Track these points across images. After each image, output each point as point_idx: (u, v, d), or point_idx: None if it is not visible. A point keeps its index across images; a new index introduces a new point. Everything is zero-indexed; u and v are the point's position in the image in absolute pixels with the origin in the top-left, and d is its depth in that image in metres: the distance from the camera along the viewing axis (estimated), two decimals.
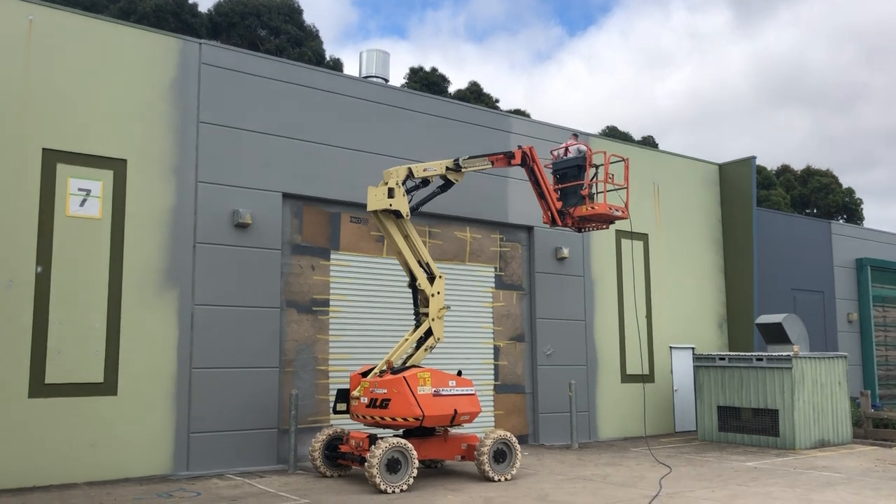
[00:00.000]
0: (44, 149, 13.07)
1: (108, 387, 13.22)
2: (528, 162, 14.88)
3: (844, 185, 62.55)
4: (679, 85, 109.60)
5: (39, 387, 12.61)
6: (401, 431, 13.26)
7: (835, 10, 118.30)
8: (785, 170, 63.45)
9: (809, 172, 62.57)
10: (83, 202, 13.32)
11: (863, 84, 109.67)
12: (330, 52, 61.41)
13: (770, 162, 63.15)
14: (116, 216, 13.65)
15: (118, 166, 13.76)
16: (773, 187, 56.78)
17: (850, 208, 61.64)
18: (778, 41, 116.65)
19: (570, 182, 15.53)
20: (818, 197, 60.52)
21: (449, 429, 13.65)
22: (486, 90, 50.71)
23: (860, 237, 29.28)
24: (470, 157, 14.67)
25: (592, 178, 15.60)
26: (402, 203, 13.72)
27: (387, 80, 18.81)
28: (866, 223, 58.89)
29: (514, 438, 13.68)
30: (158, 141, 14.22)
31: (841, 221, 40.51)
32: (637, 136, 55.06)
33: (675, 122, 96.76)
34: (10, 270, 12.58)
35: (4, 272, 12.53)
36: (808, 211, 58.88)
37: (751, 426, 18.74)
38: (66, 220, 13.15)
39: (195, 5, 43.51)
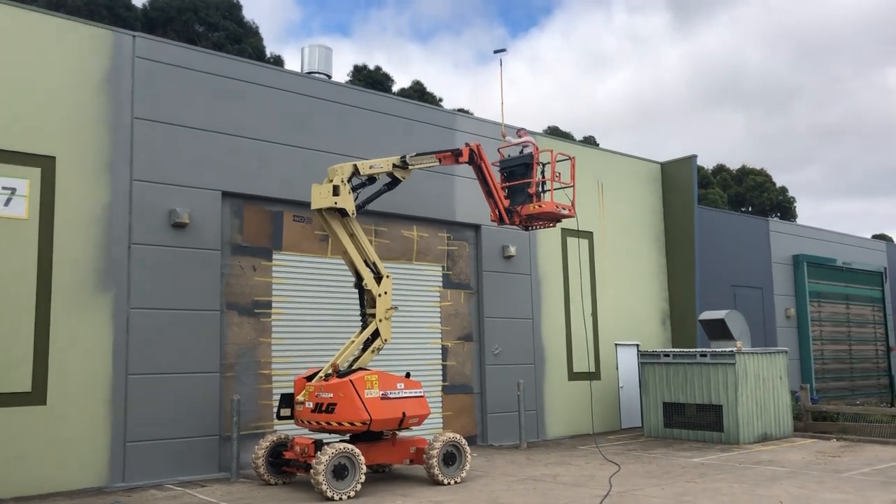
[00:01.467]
0: None
1: (36, 396, 12.53)
2: (475, 160, 14.66)
3: (778, 184, 64.37)
4: (619, 86, 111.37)
5: None
6: (347, 436, 12.93)
7: (769, 12, 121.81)
8: (721, 169, 64.93)
9: (745, 171, 64.17)
10: (8, 201, 12.60)
11: (796, 84, 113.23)
12: (272, 49, 60.44)
13: (707, 161, 64.60)
14: (45, 216, 12.96)
15: (46, 164, 13.06)
16: (710, 186, 57.99)
17: (783, 206, 63.42)
18: (714, 43, 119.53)
19: (517, 180, 15.39)
20: (753, 195, 62.10)
21: (397, 432, 13.36)
22: (429, 89, 50.54)
23: (796, 234, 30.00)
24: (417, 155, 14.41)
25: (540, 175, 15.48)
26: (347, 201, 13.39)
27: (330, 77, 18.40)
28: (799, 220, 60.70)
29: (464, 440, 13.48)
30: (90, 137, 13.57)
31: (776, 219, 41.56)
32: (579, 136, 55.56)
33: (616, 123, 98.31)
34: None
35: None
36: (743, 209, 60.34)
37: (696, 422, 18.93)
38: None
39: None
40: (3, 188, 12.59)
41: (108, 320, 13.38)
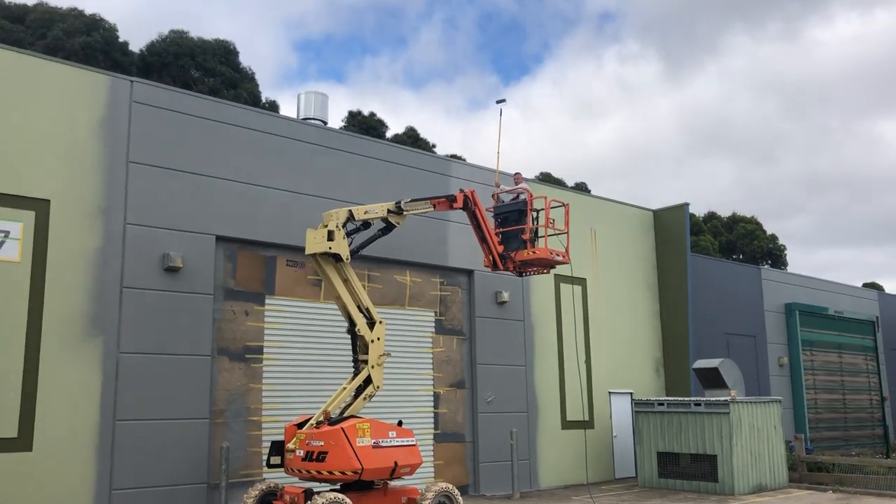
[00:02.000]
0: None
1: (22, 442, 12.28)
2: (469, 206, 14.71)
3: (768, 232, 64.76)
4: (610, 133, 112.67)
5: None
6: (338, 486, 12.69)
7: (757, 63, 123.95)
8: (712, 216, 65.37)
9: (735, 219, 64.62)
10: (1, 244, 12.52)
11: (783, 134, 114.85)
12: (268, 94, 61.02)
13: (697, 209, 65.10)
14: (37, 259, 12.87)
15: (40, 207, 13.02)
16: (701, 233, 58.32)
17: (774, 254, 63.72)
18: (704, 92, 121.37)
19: (511, 226, 15.44)
20: (744, 243, 62.43)
21: (389, 481, 13.14)
22: (422, 135, 51.02)
23: (788, 282, 30.07)
24: (412, 200, 14.43)
25: (534, 221, 15.53)
26: (342, 246, 13.36)
27: (325, 123, 18.54)
28: (790, 268, 60.91)
29: (457, 491, 13.26)
30: (85, 181, 13.55)
31: (766, 267, 41.71)
32: (570, 182, 55.97)
33: (607, 169, 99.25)
34: None
35: None
36: (734, 256, 60.60)
37: (690, 472, 18.71)
38: None
39: (126, 44, 42.64)
40: None
41: (97, 365, 13.21)
